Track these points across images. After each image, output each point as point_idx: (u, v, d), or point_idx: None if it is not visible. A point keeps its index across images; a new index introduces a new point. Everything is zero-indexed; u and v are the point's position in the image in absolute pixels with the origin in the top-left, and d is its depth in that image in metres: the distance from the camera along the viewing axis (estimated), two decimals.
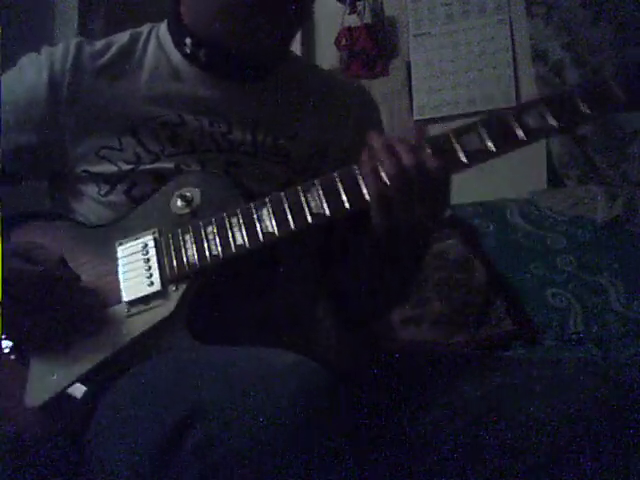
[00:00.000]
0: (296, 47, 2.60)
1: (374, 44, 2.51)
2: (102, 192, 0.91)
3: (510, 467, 0.72)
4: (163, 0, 1.01)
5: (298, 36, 2.59)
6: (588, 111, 0.75)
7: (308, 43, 2.68)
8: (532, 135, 0.76)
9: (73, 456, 0.76)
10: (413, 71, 2.50)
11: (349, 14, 2.53)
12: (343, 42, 2.54)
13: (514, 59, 2.36)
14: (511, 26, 2.38)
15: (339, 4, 2.55)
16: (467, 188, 2.31)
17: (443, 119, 2.36)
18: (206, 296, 0.83)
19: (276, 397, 0.60)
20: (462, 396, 0.78)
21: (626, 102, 0.75)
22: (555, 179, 2.25)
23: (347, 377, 0.89)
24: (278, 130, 0.96)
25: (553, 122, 0.75)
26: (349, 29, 2.53)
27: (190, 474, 0.60)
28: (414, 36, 2.52)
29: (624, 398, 0.73)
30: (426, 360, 0.89)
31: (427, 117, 2.43)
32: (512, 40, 2.37)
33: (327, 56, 2.63)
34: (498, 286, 1.93)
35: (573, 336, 1.81)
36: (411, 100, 2.48)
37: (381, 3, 2.55)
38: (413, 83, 2.49)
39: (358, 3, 2.52)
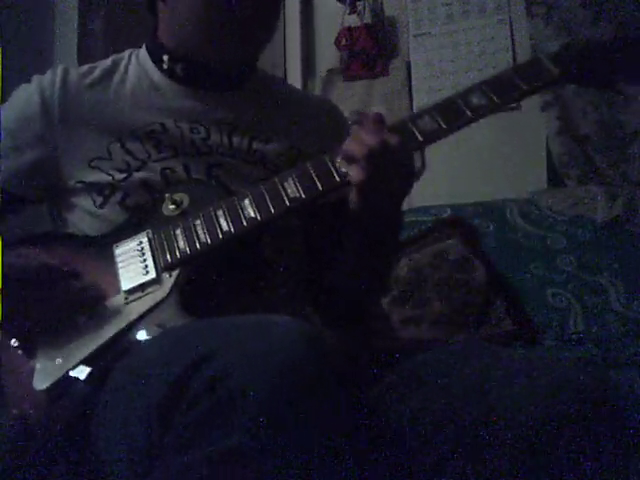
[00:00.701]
0: (296, 47, 2.61)
1: (374, 44, 2.52)
2: (97, 204, 0.99)
3: (510, 467, 0.72)
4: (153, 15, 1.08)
5: (298, 36, 2.62)
6: (525, 87, 0.87)
7: (308, 43, 2.68)
8: (477, 112, 0.87)
9: (73, 456, 0.77)
10: (413, 71, 2.50)
11: (349, 14, 2.54)
12: (343, 42, 2.54)
13: (514, 59, 2.36)
14: (511, 26, 2.38)
15: (339, 4, 2.55)
16: (467, 188, 2.32)
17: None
18: (199, 281, 0.90)
19: (275, 342, 0.65)
20: (462, 396, 0.78)
21: (558, 75, 0.87)
22: (555, 179, 2.25)
23: (346, 377, 0.89)
24: (253, 135, 1.05)
25: (495, 99, 0.87)
26: (349, 29, 2.53)
27: (196, 413, 0.62)
28: (414, 36, 2.52)
29: (624, 398, 0.73)
30: (426, 360, 0.89)
31: None
32: (512, 40, 2.38)
33: (327, 56, 2.63)
34: (498, 286, 1.93)
35: (573, 336, 1.81)
36: (411, 100, 2.48)
37: (381, 3, 2.55)
38: (413, 83, 2.49)
39: (358, 3, 2.53)
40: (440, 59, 2.47)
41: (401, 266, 1.98)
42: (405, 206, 0.96)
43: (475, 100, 0.87)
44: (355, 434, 0.67)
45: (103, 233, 0.97)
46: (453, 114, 0.87)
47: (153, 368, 0.71)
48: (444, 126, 0.87)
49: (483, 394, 0.77)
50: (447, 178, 2.39)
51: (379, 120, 0.88)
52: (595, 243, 1.96)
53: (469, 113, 0.87)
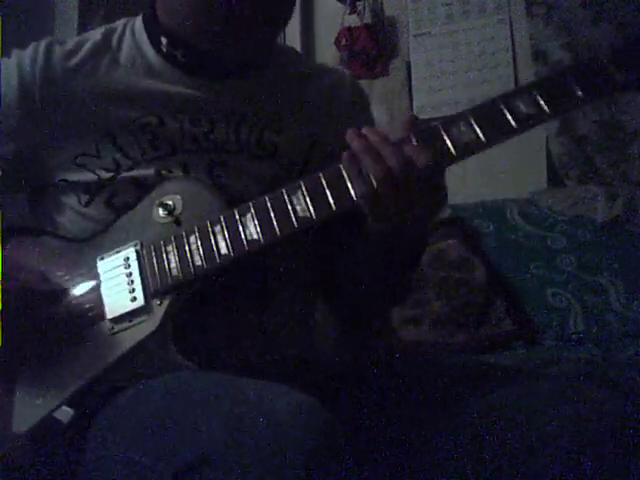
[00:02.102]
0: (296, 47, 2.61)
1: (374, 44, 2.51)
2: (82, 202, 0.89)
3: (510, 468, 0.72)
4: None
5: (298, 36, 2.61)
6: (581, 94, 0.70)
7: (308, 43, 2.68)
8: (524, 123, 0.71)
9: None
10: (413, 71, 2.50)
11: (349, 14, 2.53)
12: (343, 42, 2.54)
13: (514, 59, 2.36)
14: (511, 26, 2.38)
15: (339, 4, 2.55)
16: (467, 188, 2.31)
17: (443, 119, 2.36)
18: (193, 309, 0.81)
19: (279, 445, 0.59)
20: (462, 397, 0.78)
21: (623, 83, 0.71)
22: (555, 179, 2.25)
23: (347, 378, 0.89)
24: (263, 126, 0.93)
25: (545, 108, 0.71)
26: (349, 29, 2.53)
27: None
28: (414, 36, 2.52)
29: (624, 399, 0.73)
30: (426, 360, 0.89)
31: (427, 117, 2.43)
32: (512, 40, 2.37)
33: (327, 56, 2.63)
34: (498, 286, 1.93)
35: (573, 336, 1.81)
36: (411, 100, 2.48)
37: (381, 3, 2.55)
38: (413, 83, 2.49)
39: (358, 3, 2.52)
40: (440, 59, 2.46)
41: None
42: None
43: (522, 107, 0.71)
44: (355, 434, 0.66)
45: (87, 236, 0.87)
46: (494, 124, 0.71)
47: (142, 456, 0.65)
48: (483, 140, 0.71)
49: (483, 394, 0.77)
50: (447, 178, 2.38)
51: (410, 124, 0.74)
52: (595, 243, 1.96)
53: (514, 124, 0.71)
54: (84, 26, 2.18)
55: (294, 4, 0.94)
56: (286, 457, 0.58)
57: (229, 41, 0.90)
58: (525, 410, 0.73)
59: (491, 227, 2.07)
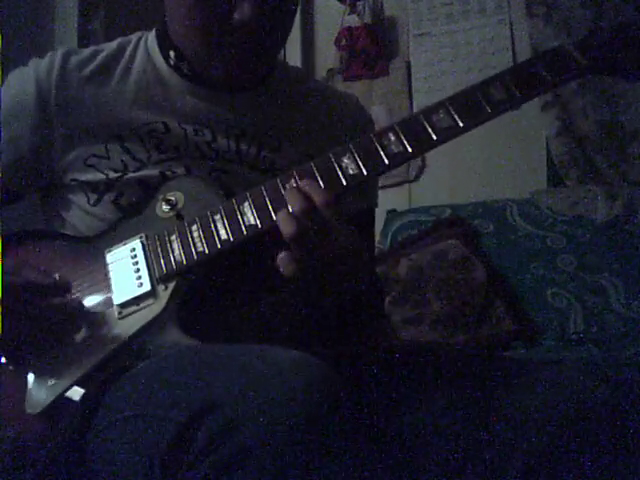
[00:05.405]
0: (296, 47, 2.61)
1: (374, 44, 2.52)
2: (91, 202, 0.94)
3: (510, 467, 0.72)
4: (161, 1, 1.01)
5: (298, 36, 2.61)
6: (549, 78, 0.78)
7: (308, 43, 2.68)
8: (497, 107, 0.77)
9: (72, 457, 0.76)
10: (413, 71, 2.50)
11: (349, 14, 2.54)
12: (343, 42, 2.54)
13: (514, 59, 2.36)
14: (511, 26, 2.38)
15: (339, 4, 2.55)
16: (467, 188, 2.32)
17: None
18: (196, 294, 0.85)
19: (285, 392, 0.62)
20: (462, 396, 0.78)
21: (587, 67, 0.78)
22: (555, 179, 2.25)
23: (346, 377, 0.89)
24: (262, 141, 0.99)
25: (516, 93, 0.77)
26: (349, 29, 2.53)
27: (203, 468, 0.61)
28: (414, 36, 2.52)
29: (624, 398, 0.73)
30: (426, 360, 0.89)
31: None
32: (512, 40, 2.38)
33: (327, 56, 2.63)
34: (498, 286, 1.93)
35: (573, 336, 1.81)
36: (411, 100, 2.48)
37: (381, 3, 2.55)
38: (413, 83, 2.49)
39: (358, 3, 2.53)
40: (440, 59, 2.46)
41: (401, 266, 1.98)
42: (405, 206, 0.89)
43: (496, 94, 0.77)
44: (355, 434, 0.67)
45: (95, 234, 0.92)
46: (472, 108, 0.77)
47: (154, 409, 0.68)
48: (460, 123, 0.77)
49: (483, 395, 0.77)
50: (447, 178, 2.39)
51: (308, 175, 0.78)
52: (595, 243, 1.96)
53: (488, 109, 0.77)
54: (84, 26, 2.18)
55: (289, 30, 0.98)
56: (290, 404, 0.61)
57: (228, 61, 0.94)
58: (525, 409, 0.73)
59: (491, 227, 2.07)
